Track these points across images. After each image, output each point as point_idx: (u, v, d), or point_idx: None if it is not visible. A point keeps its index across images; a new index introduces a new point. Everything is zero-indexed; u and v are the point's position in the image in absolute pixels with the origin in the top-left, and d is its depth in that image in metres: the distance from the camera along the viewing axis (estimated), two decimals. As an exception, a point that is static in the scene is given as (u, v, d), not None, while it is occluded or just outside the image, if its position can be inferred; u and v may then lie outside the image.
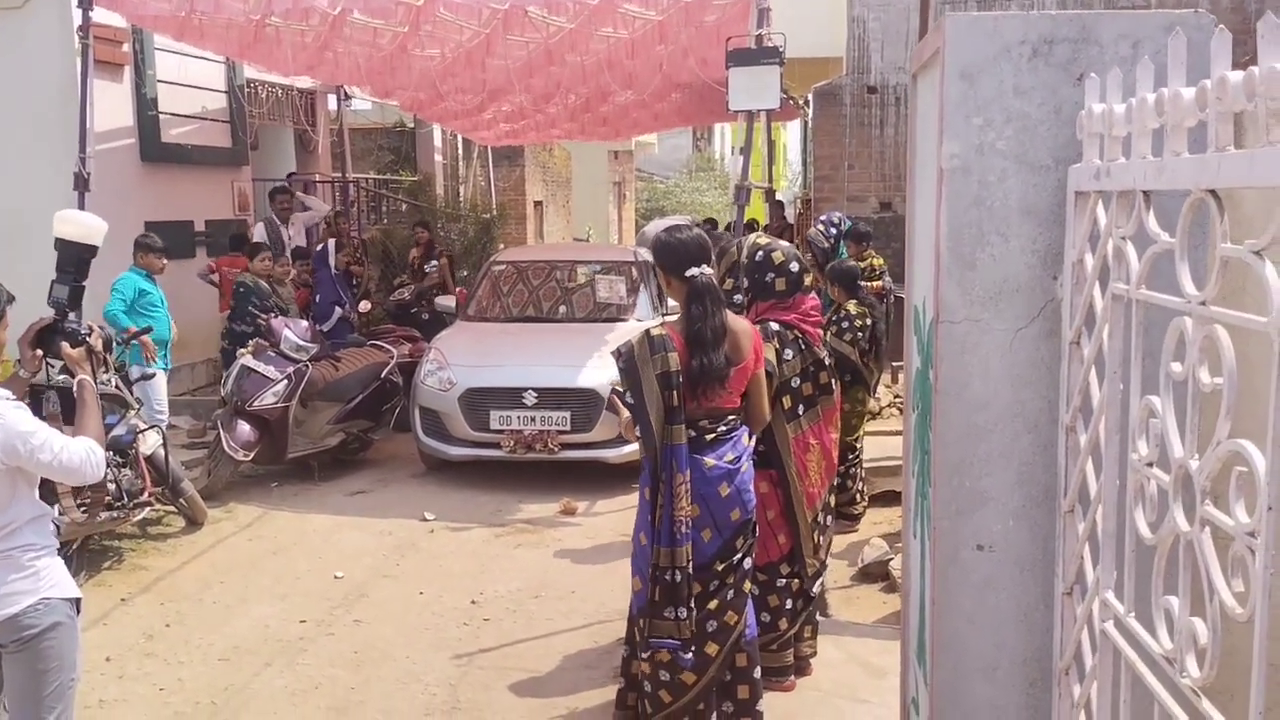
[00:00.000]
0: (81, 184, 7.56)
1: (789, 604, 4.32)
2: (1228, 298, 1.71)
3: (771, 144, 15.29)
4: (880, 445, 7.73)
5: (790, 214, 16.74)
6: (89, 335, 3.37)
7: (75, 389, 3.25)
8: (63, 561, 3.04)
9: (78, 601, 3.06)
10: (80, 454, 2.97)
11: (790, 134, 29.45)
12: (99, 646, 4.96)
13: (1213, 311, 1.42)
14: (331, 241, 9.78)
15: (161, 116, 9.83)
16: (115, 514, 5.62)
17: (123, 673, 4.71)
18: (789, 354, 4.17)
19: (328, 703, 4.42)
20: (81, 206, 7.54)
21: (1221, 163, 1.38)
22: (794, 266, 4.24)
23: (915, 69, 2.64)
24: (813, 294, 4.40)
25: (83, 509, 5.28)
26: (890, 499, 6.58)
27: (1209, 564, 1.39)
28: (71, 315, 3.76)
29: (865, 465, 7.26)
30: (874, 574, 5.70)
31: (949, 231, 2.14)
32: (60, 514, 5.26)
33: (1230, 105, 1.37)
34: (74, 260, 5.82)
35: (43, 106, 8.54)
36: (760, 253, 4.24)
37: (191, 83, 10.30)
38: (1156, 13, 2.04)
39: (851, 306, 6.19)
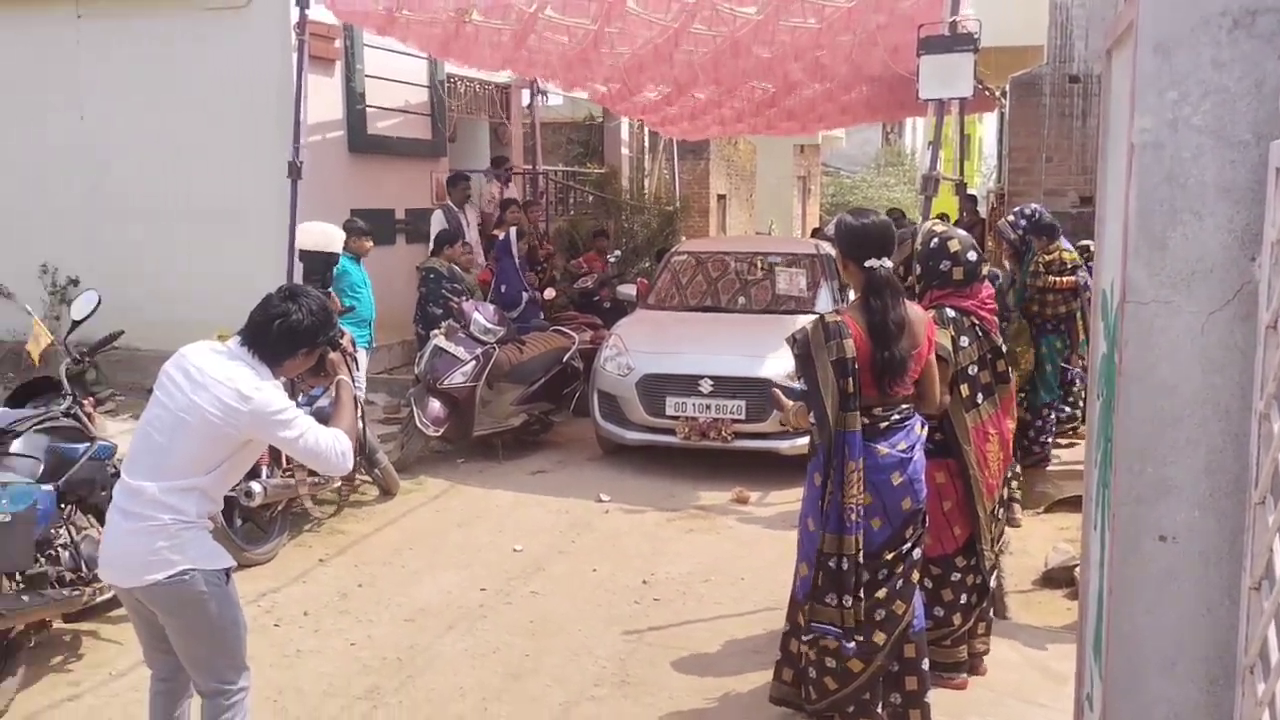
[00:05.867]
0: (295, 173, 8.08)
1: (964, 599, 4.23)
2: None
3: (965, 136, 14.82)
4: (1071, 449, 7.44)
5: (983, 208, 16.20)
6: (341, 338, 3.60)
7: (334, 389, 3.49)
8: (209, 535, 3.20)
9: (228, 571, 3.21)
10: (326, 440, 3.19)
11: (986, 127, 28.46)
12: (298, 601, 5.33)
13: None
14: (513, 230, 10.12)
15: (368, 110, 10.39)
16: (317, 480, 6.01)
17: (318, 627, 5.04)
18: (965, 341, 4.09)
19: (504, 667, 4.61)
20: (294, 195, 8.07)
21: None
22: (971, 255, 4.15)
23: (1109, 44, 2.54)
24: (988, 283, 4.30)
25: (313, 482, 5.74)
26: (1078, 504, 6.31)
27: None
28: None
29: (1055, 467, 7.04)
30: (1057, 579, 5.49)
31: (1138, 210, 2.06)
32: (274, 478, 5.69)
33: None
34: (320, 268, 6.28)
35: (261, 100, 9.17)
36: (935, 240, 4.18)
37: (396, 77, 10.84)
38: (1375, -23, 1.91)
39: None
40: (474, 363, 7.73)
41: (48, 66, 9.78)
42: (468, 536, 6.37)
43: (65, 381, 4.83)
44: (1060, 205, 10.35)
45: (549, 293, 10.60)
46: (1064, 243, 7.21)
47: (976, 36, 6.47)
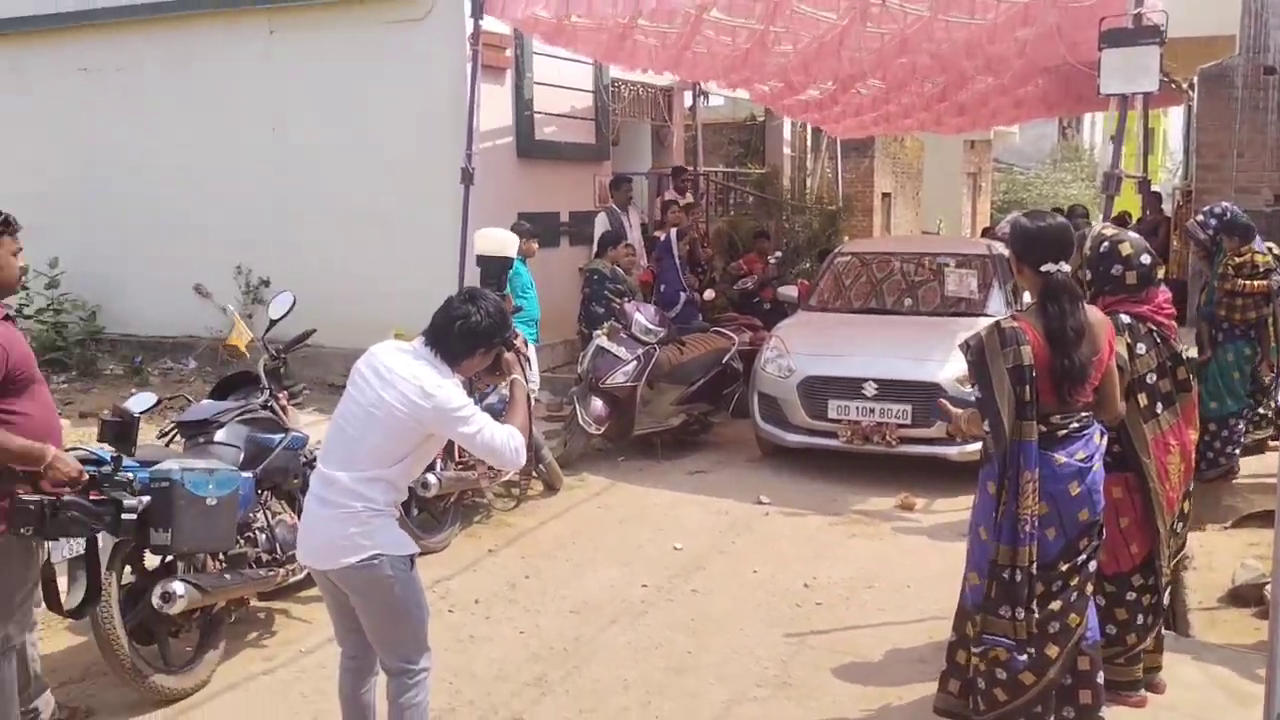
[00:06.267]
0: (468, 179, 8.39)
1: (1140, 619, 4.07)
2: None
3: (1149, 131, 14.13)
4: (1262, 461, 7.03)
5: (1168, 206, 15.42)
6: (515, 339, 3.75)
7: (509, 387, 3.65)
8: (396, 523, 3.39)
9: (412, 557, 3.39)
10: (501, 437, 3.35)
11: (1171, 121, 27.06)
12: (470, 589, 5.55)
13: None
14: (674, 231, 10.22)
15: (536, 116, 10.66)
16: (492, 473, 6.24)
17: (489, 614, 5.24)
18: (1141, 348, 3.92)
19: (666, 662, 4.69)
20: (466, 200, 8.38)
21: None
22: (1144, 259, 3.97)
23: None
24: (1164, 287, 4.10)
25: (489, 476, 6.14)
26: (1268, 519, 5.97)
27: None
28: None
29: (1242, 480, 6.68)
30: (1245, 597, 5.20)
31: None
32: (448, 471, 5.95)
33: None
34: (495, 272, 6.55)
35: (435, 108, 9.53)
36: (1106, 244, 4.01)
37: (563, 83, 11.10)
38: None
39: None
40: (635, 363, 7.86)
41: (241, 80, 10.43)
42: (628, 533, 6.49)
43: (263, 376, 5.17)
44: (1253, 203, 9.75)
45: (709, 294, 10.67)
46: (1257, 244, 6.81)
47: (1163, 28, 6.19)
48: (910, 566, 5.87)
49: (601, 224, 10.33)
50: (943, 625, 4.87)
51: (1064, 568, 3.52)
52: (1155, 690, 4.18)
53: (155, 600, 4.10)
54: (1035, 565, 3.46)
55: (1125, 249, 3.99)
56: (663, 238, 10.30)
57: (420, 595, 3.44)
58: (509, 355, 3.61)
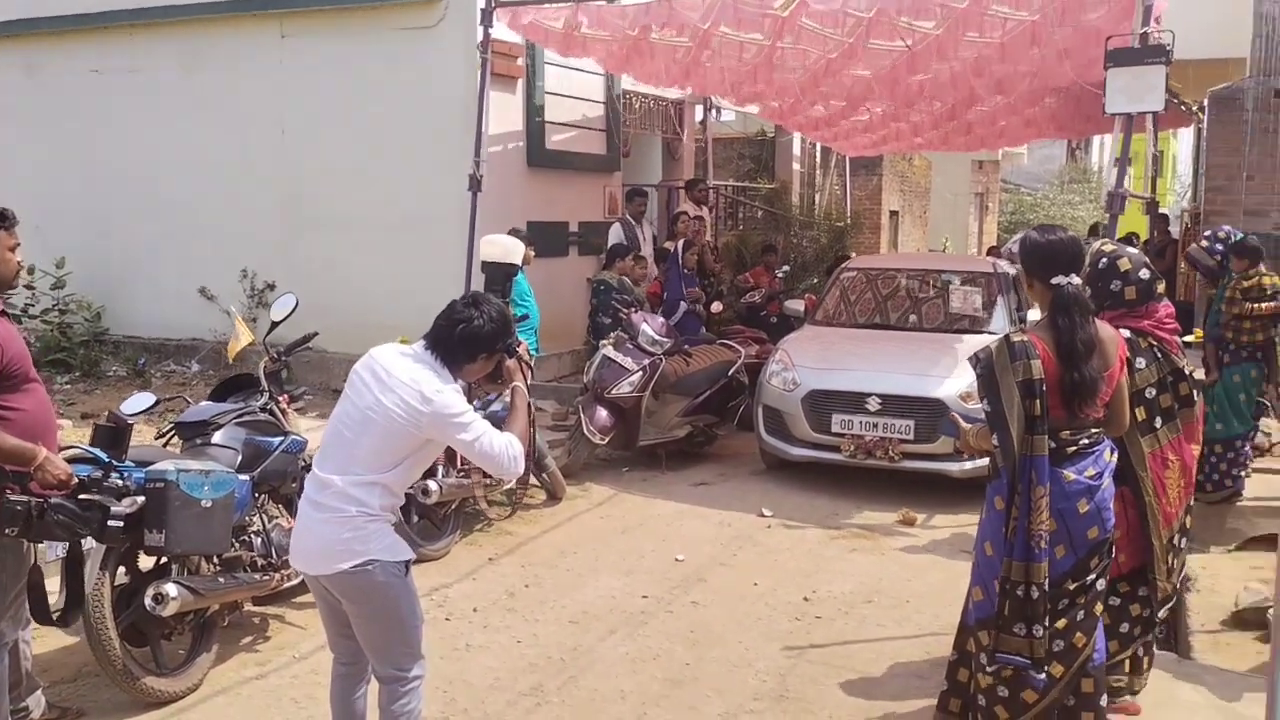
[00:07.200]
0: (475, 185, 8.40)
1: (1124, 628, 4.03)
2: None
3: (1159, 154, 14.14)
4: (1266, 483, 6.98)
5: (1175, 229, 15.41)
6: (518, 346, 3.72)
7: (511, 395, 3.62)
8: (392, 528, 3.34)
9: (407, 563, 3.35)
10: (500, 444, 3.32)
11: (1180, 143, 27.06)
12: (468, 597, 5.52)
13: None
14: (681, 241, 10.23)
15: (547, 125, 10.68)
16: (490, 481, 6.22)
17: (487, 623, 5.20)
18: (1141, 363, 3.92)
19: (664, 674, 4.65)
20: (474, 207, 8.38)
21: None
22: (1143, 274, 3.97)
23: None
24: (1166, 301, 4.08)
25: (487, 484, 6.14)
26: (1272, 542, 5.93)
27: None
28: None
29: (1247, 503, 6.65)
30: (1249, 621, 5.16)
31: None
32: (449, 478, 5.93)
33: None
34: (500, 279, 6.55)
35: (445, 115, 9.55)
36: (1104, 260, 4.00)
37: (574, 94, 11.12)
38: None
39: None
40: (641, 373, 7.83)
41: (252, 83, 10.46)
42: (630, 543, 6.45)
43: (263, 379, 5.15)
44: (1261, 227, 9.73)
45: (716, 306, 10.65)
46: (1262, 267, 6.79)
47: (1169, 48, 6.18)
48: (910, 582, 5.83)
49: (616, 235, 10.33)
50: (942, 641, 4.84)
51: (1072, 586, 3.49)
52: (1130, 712, 4.12)
53: (148, 602, 4.07)
54: (1047, 582, 3.42)
55: (1124, 264, 3.98)
56: (672, 249, 10.31)
57: (415, 602, 3.41)
58: (511, 363, 3.58)
